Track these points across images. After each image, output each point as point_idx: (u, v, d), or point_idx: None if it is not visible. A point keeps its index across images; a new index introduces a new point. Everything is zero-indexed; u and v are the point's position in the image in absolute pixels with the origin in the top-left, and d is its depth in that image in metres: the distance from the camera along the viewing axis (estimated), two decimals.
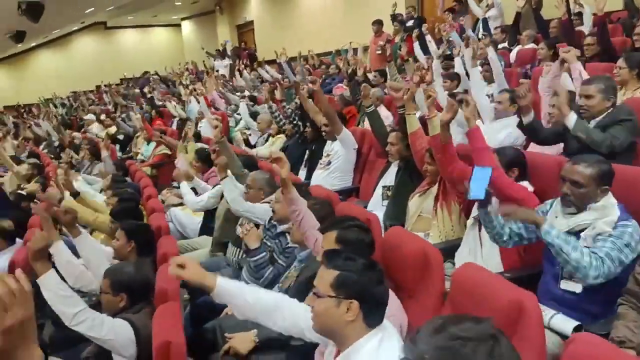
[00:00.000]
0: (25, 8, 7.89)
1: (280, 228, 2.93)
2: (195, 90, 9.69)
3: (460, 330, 0.94)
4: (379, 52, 8.80)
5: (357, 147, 4.37)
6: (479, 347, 0.91)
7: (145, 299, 2.40)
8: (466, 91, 4.53)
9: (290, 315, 1.74)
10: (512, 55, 6.33)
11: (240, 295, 1.73)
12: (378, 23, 8.91)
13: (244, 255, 3.00)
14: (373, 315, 1.49)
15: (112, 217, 3.33)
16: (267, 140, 6.10)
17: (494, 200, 2.24)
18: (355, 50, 9.81)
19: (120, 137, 9.61)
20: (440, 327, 0.96)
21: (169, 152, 7.72)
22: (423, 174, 3.15)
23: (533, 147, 3.43)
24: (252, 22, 15.27)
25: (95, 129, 11.28)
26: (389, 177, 3.49)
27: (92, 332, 2.12)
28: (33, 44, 18.45)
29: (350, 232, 2.01)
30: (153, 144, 7.96)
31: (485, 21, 7.76)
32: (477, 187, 2.09)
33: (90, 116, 12.34)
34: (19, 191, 5.25)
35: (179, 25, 20.46)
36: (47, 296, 2.14)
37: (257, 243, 2.81)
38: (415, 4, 9.47)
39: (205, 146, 5.59)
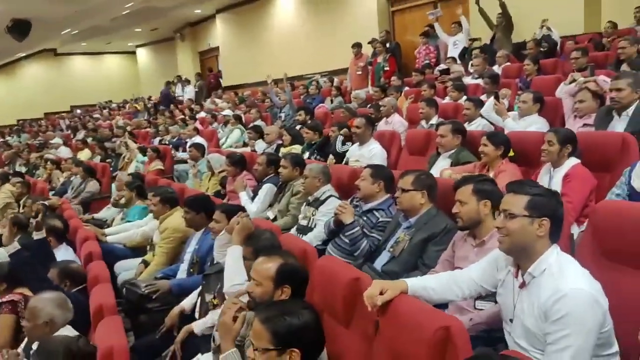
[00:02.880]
0: (12, 26, 7.71)
1: (367, 206, 3.21)
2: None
3: None
4: (359, 72, 9.34)
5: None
6: None
7: None
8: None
9: (461, 280, 2.01)
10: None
11: (425, 287, 1.96)
12: (357, 46, 9.41)
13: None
14: (556, 231, 1.80)
15: (186, 207, 3.49)
16: (277, 150, 6.34)
17: None
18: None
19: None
20: None
21: (163, 168, 7.82)
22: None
23: None
24: (216, 48, 15.49)
25: (62, 152, 11.07)
26: (441, 166, 3.85)
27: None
28: None
29: (486, 184, 2.33)
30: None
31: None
32: None
33: (58, 140, 12.09)
34: (43, 202, 5.22)
35: (133, 53, 20.28)
36: (228, 261, 2.38)
37: (352, 218, 3.06)
38: (389, 28, 10.08)
39: (237, 150, 5.82)
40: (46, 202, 5.24)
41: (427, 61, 8.90)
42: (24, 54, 18.34)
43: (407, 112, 6.01)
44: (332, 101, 8.93)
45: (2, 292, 3.34)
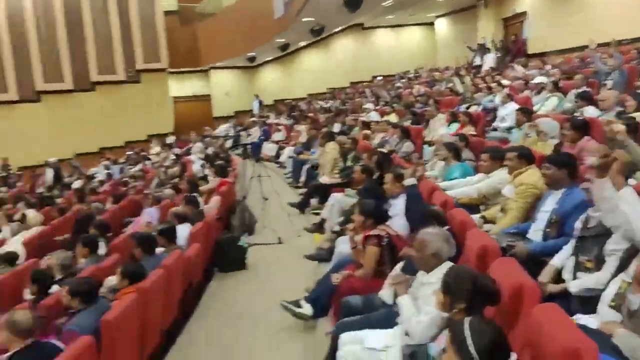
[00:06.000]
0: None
1: None
2: None
3: None
4: None
5: None
6: None
7: None
8: None
9: None
10: None
11: None
12: None
13: None
14: None
15: (548, 163, 3.39)
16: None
17: None
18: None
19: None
20: None
21: (475, 133, 7.80)
22: None
23: None
24: (522, 13, 14.71)
25: (372, 116, 12.02)
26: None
27: None
28: (302, 44, 20.61)
29: None
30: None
31: None
32: None
33: (369, 105, 13.27)
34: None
35: (431, 24, 20.76)
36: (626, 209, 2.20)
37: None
38: None
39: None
40: None
41: None
42: (338, 29, 20.50)
43: None
44: None
45: (368, 227, 3.81)
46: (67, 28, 18.32)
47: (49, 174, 14.18)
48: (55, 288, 4.13)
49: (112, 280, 4.18)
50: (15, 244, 6.73)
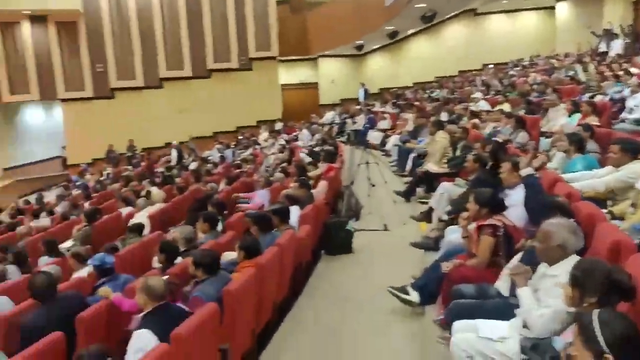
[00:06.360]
0: None
1: None
2: None
3: None
4: None
5: None
6: None
7: None
8: None
9: None
10: None
11: None
12: None
13: None
14: None
15: None
16: None
17: None
18: None
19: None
20: None
21: (599, 124, 7.26)
22: None
23: None
24: None
25: (481, 105, 11.59)
26: None
27: None
28: (411, 31, 20.28)
29: None
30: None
31: None
32: None
33: (478, 94, 12.84)
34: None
35: (552, 8, 19.49)
36: None
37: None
38: None
39: None
40: None
41: None
42: (450, 15, 19.93)
43: None
44: None
45: (483, 216, 3.72)
46: (188, 20, 19.50)
47: (174, 154, 15.35)
48: (179, 259, 4.49)
49: (229, 255, 4.46)
50: (142, 218, 7.36)
